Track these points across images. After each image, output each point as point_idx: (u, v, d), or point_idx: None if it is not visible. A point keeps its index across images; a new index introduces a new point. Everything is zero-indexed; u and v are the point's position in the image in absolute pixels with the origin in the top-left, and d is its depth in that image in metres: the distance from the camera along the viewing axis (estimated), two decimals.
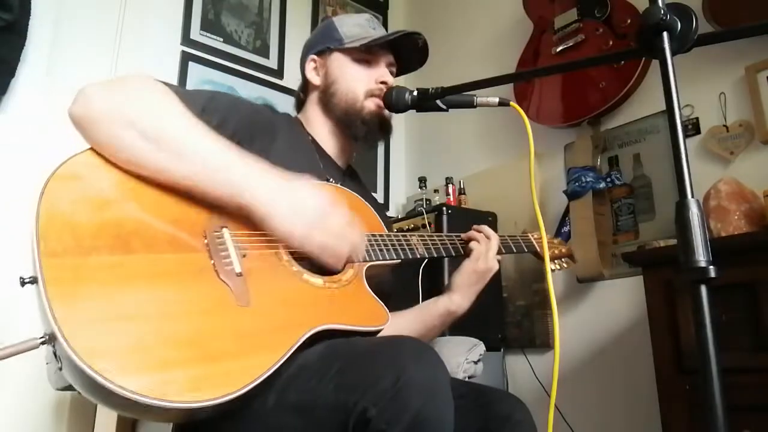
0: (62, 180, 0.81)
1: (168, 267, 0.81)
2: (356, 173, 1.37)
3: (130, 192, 0.85)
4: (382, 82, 1.22)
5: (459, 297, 1.19)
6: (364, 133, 1.21)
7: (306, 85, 1.30)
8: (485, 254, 1.19)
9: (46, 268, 0.72)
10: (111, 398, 0.68)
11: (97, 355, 0.68)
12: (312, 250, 0.92)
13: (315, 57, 1.27)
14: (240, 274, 0.85)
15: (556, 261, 1.39)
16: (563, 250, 1.41)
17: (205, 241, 0.87)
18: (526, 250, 1.31)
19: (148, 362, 0.71)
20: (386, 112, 1.22)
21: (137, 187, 0.86)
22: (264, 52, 2.57)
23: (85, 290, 0.73)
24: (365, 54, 1.23)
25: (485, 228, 1.23)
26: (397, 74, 1.29)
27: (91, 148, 0.87)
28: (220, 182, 0.87)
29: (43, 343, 0.73)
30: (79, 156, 0.85)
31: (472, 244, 1.20)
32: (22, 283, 0.75)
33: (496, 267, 1.20)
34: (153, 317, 0.75)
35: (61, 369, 0.73)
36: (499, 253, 1.24)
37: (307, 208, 0.92)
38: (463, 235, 1.23)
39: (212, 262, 0.85)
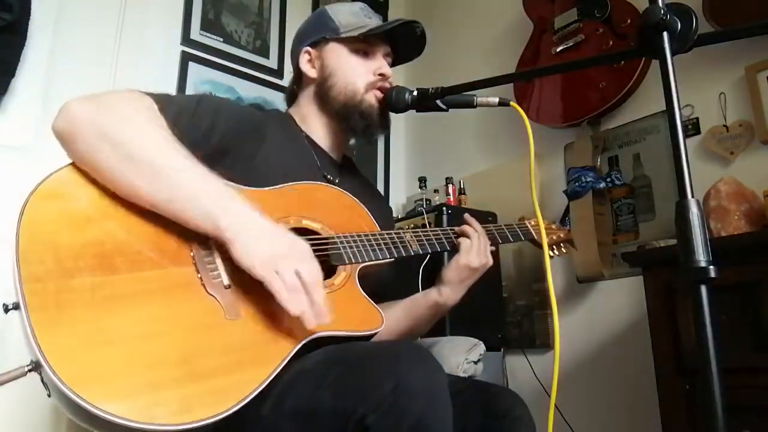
0: (43, 198, 0.79)
1: (154, 284, 0.79)
2: (353, 164, 1.34)
3: (112, 209, 0.83)
4: (381, 74, 1.19)
5: (449, 290, 1.15)
6: (363, 126, 1.18)
7: (299, 79, 1.26)
8: (478, 249, 1.15)
9: (29, 294, 0.71)
10: (101, 424, 0.67)
11: (84, 382, 0.67)
12: (268, 285, 0.81)
13: (309, 48, 1.23)
14: (228, 286, 0.84)
15: (555, 247, 1.35)
16: (562, 235, 1.37)
17: (191, 254, 0.85)
18: (523, 239, 1.28)
19: (136, 385, 0.69)
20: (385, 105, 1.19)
21: (119, 204, 0.84)
22: (264, 52, 2.57)
23: (69, 315, 0.72)
24: (362, 44, 1.19)
25: (474, 222, 1.19)
26: (393, 64, 1.25)
27: (73, 164, 0.85)
28: (187, 208, 0.83)
29: (30, 370, 0.72)
30: (59, 172, 0.84)
31: (463, 239, 1.16)
32: (6, 310, 0.74)
33: (491, 262, 1.17)
34: (140, 338, 0.73)
35: (50, 396, 0.72)
36: (494, 244, 1.21)
37: (275, 242, 0.84)
38: (456, 229, 1.19)
39: (199, 275, 0.83)
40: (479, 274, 1.16)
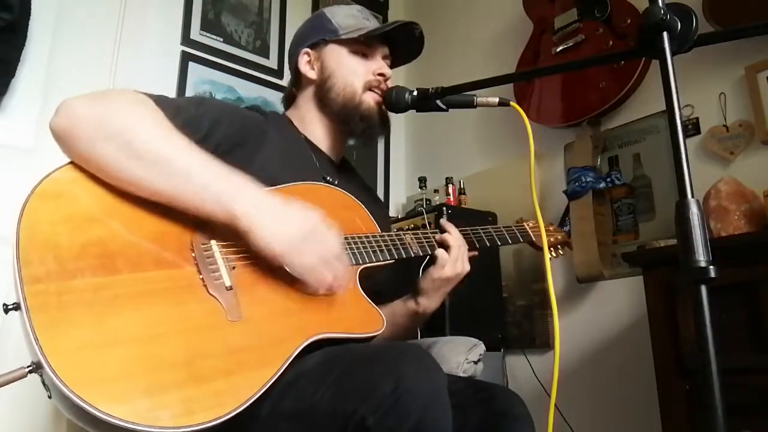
0: (42, 198, 0.79)
1: (155, 285, 0.79)
2: (351, 166, 1.35)
3: (112, 209, 0.83)
4: (380, 74, 1.19)
5: (425, 300, 1.14)
6: (362, 129, 1.18)
7: (298, 80, 1.26)
8: (454, 260, 1.12)
9: (30, 295, 0.70)
10: (103, 427, 0.67)
11: (85, 384, 0.66)
12: (293, 269, 0.87)
13: (308, 50, 1.23)
14: (230, 288, 0.84)
15: (552, 249, 1.36)
16: (559, 237, 1.38)
17: (193, 254, 0.85)
18: (521, 240, 1.28)
19: (139, 387, 0.69)
20: (384, 106, 1.19)
21: (120, 204, 0.83)
22: (264, 52, 2.57)
23: (70, 316, 0.71)
24: (362, 46, 1.20)
25: (453, 230, 1.16)
26: (391, 66, 1.25)
27: (71, 163, 0.85)
28: (202, 195, 0.84)
29: (30, 371, 0.72)
30: (58, 172, 0.83)
31: (439, 251, 1.13)
32: (6, 310, 0.73)
33: (467, 269, 1.14)
34: (141, 339, 0.73)
35: (50, 397, 0.71)
36: (491, 246, 1.21)
37: (293, 223, 0.87)
38: (437, 238, 1.15)
39: (201, 276, 0.83)
40: (455, 282, 1.14)
